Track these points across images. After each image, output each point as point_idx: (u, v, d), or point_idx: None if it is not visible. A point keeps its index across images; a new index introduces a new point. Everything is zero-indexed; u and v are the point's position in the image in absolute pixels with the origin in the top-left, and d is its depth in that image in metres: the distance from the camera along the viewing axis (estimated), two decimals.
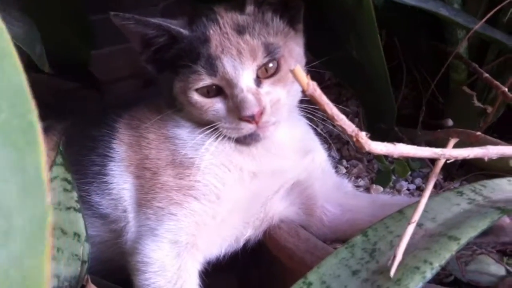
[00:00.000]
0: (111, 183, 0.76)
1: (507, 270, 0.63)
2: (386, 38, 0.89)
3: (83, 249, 0.72)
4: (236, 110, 0.71)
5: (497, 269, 0.64)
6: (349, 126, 0.51)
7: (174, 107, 0.77)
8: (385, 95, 0.81)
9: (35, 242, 0.32)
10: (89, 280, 0.71)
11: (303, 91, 0.46)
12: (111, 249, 0.78)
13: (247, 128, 0.71)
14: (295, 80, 0.72)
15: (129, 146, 0.78)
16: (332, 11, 0.60)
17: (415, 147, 0.55)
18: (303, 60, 0.78)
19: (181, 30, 0.73)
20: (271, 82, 0.73)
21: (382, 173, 0.87)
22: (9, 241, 0.31)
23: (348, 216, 0.79)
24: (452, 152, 0.56)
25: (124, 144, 0.78)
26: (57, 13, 0.92)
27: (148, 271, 0.70)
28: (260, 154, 0.76)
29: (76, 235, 0.72)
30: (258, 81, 0.72)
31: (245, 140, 0.74)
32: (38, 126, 0.33)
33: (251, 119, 0.70)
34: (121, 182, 0.76)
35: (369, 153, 0.93)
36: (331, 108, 0.48)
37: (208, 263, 0.77)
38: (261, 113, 0.70)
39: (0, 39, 0.32)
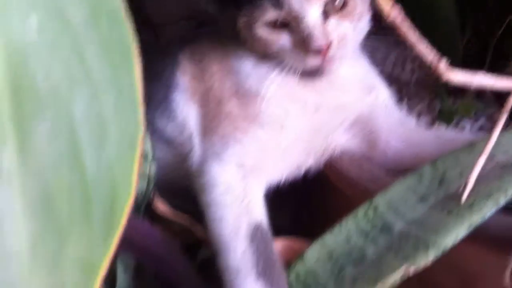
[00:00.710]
0: (176, 110, 0.78)
1: None
2: None
3: (150, 168, 0.74)
4: (303, 43, 0.70)
5: None
6: (430, 54, 0.50)
7: (238, 40, 0.77)
8: (451, 34, 0.81)
9: (126, 151, 0.33)
10: (155, 196, 0.74)
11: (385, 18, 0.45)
12: (175, 172, 0.79)
13: (313, 61, 0.71)
14: (361, 16, 0.72)
15: (192, 77, 0.78)
16: None
17: (494, 77, 0.54)
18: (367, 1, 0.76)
19: None
20: (338, 17, 0.72)
21: (444, 113, 0.85)
22: (102, 147, 0.32)
23: (413, 150, 0.78)
24: None
25: (188, 74, 0.79)
26: None
27: (215, 192, 0.71)
28: (324, 88, 0.76)
29: (143, 155, 0.74)
30: (326, 15, 0.71)
31: (310, 74, 0.73)
32: (133, 46, 0.33)
33: (318, 52, 0.69)
34: (185, 109, 0.78)
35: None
36: (412, 36, 0.48)
37: (269, 189, 0.78)
38: (328, 46, 0.69)
39: None
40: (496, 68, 0.90)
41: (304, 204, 0.93)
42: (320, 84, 0.75)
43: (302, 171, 0.79)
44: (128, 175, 0.33)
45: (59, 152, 0.30)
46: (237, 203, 0.70)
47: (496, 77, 0.54)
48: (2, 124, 0.28)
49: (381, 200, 0.58)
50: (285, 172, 0.78)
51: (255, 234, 0.69)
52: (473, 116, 0.86)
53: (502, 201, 0.52)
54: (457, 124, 0.86)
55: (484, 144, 0.55)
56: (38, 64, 0.29)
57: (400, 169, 0.76)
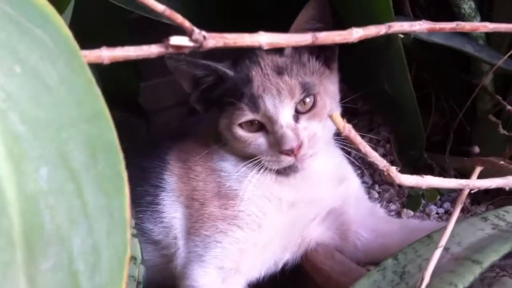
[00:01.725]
0: (163, 212, 0.83)
1: None
2: (416, 70, 0.95)
3: (139, 271, 0.79)
4: (277, 144, 0.77)
5: None
6: (381, 162, 0.56)
7: (219, 141, 0.84)
8: (415, 124, 0.86)
9: (116, 273, 0.39)
10: None
11: (340, 133, 0.52)
12: (162, 272, 0.84)
13: (287, 160, 0.78)
14: (330, 113, 0.79)
15: (179, 178, 0.84)
16: (364, 48, 0.67)
17: (441, 179, 0.60)
18: (337, 96, 0.85)
19: (227, 71, 0.80)
20: (308, 117, 0.79)
21: (413, 197, 0.93)
22: (95, 273, 0.38)
23: (380, 241, 0.84)
24: (475, 183, 0.61)
25: (175, 175, 0.85)
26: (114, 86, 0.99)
27: None
28: (298, 185, 0.82)
29: (133, 258, 0.79)
30: (296, 117, 0.78)
31: (284, 171, 0.80)
32: (124, 174, 0.40)
33: (290, 152, 0.76)
34: (172, 211, 0.83)
35: None
36: (365, 147, 0.54)
37: (249, 285, 0.83)
38: (300, 146, 0.77)
39: (97, 102, 0.40)
40: (461, 152, 0.98)
41: None
42: (294, 181, 0.82)
43: (280, 266, 0.85)
44: None
45: (60, 284, 0.36)
46: None
47: (443, 178, 0.60)
48: (16, 265, 0.34)
49: None
50: (263, 269, 0.84)
51: None
52: (438, 201, 0.94)
53: None
54: (424, 209, 0.93)
55: (440, 236, 0.62)
56: (46, 209, 0.36)
57: (369, 258, 0.83)
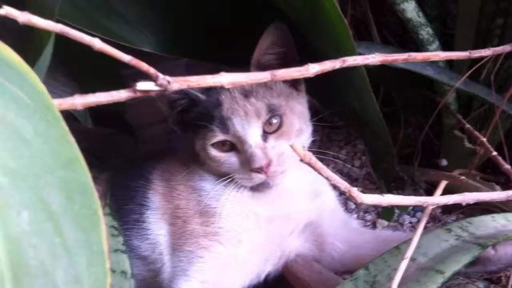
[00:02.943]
0: (148, 229, 0.87)
1: None
2: (384, 90, 1.00)
3: (129, 285, 0.83)
4: (247, 162, 0.82)
5: None
6: (342, 184, 0.60)
7: (198, 161, 0.89)
8: (384, 140, 0.91)
9: None
10: None
11: (301, 160, 0.56)
12: (150, 286, 0.88)
13: (258, 178, 0.82)
14: (300, 132, 0.84)
15: (162, 197, 0.89)
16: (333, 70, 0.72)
17: (401, 196, 0.64)
18: (306, 115, 0.89)
19: (199, 94, 0.85)
20: (276, 137, 0.84)
21: (387, 208, 0.97)
22: None
23: (354, 252, 0.89)
24: (434, 200, 0.66)
25: (159, 194, 0.89)
26: (96, 74, 1.03)
27: None
28: (274, 200, 0.86)
29: (123, 273, 0.82)
30: (265, 136, 0.83)
31: (258, 188, 0.84)
32: (100, 212, 0.44)
33: (260, 170, 0.81)
34: (157, 229, 0.87)
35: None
36: (326, 171, 0.59)
37: None
38: (269, 164, 0.81)
39: (71, 150, 0.44)
40: (431, 164, 1.03)
41: None
42: (271, 197, 0.86)
43: (262, 277, 0.89)
44: None
45: None
46: None
47: (403, 196, 0.64)
48: None
49: None
50: (246, 281, 0.88)
51: None
52: (411, 211, 0.98)
53: None
54: (398, 219, 0.97)
55: (407, 246, 0.66)
56: (29, 247, 0.40)
57: (345, 268, 0.87)
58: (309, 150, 0.87)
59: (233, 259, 0.84)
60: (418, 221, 0.96)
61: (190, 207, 0.86)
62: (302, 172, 0.89)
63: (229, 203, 0.84)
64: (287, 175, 0.85)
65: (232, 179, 0.84)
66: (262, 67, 0.84)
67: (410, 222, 0.97)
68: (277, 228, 0.87)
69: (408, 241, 0.70)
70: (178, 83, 0.50)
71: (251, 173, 0.82)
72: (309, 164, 0.57)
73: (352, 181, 1.07)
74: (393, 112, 1.05)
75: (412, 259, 0.68)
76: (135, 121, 1.31)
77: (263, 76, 0.55)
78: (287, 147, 0.83)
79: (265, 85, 0.85)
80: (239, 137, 0.82)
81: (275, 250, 0.89)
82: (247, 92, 0.84)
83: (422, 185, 1.00)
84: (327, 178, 0.59)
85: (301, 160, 0.56)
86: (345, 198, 1.03)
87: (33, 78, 0.44)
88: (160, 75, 0.49)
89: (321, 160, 0.86)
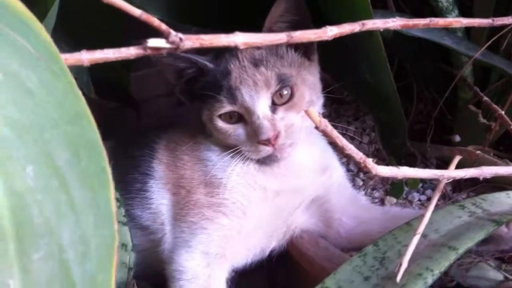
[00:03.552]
0: (151, 198, 0.86)
1: (505, 276, 0.71)
2: (398, 62, 0.97)
3: (130, 258, 0.81)
4: (254, 134, 0.79)
5: (495, 274, 0.71)
6: (357, 154, 0.58)
7: (204, 132, 0.87)
8: (396, 115, 0.89)
9: (105, 261, 0.41)
10: (135, 285, 0.81)
11: (316, 127, 0.54)
12: (150, 256, 0.87)
13: (265, 150, 0.80)
14: (310, 105, 0.83)
15: (166, 166, 0.87)
16: (346, 40, 0.69)
17: (417, 169, 0.62)
18: (318, 86, 0.87)
19: (207, 63, 0.83)
20: (285, 109, 0.81)
21: (396, 185, 0.95)
22: (86, 261, 0.40)
23: (362, 228, 0.87)
24: (450, 173, 0.64)
25: (163, 164, 0.87)
26: (101, 45, 1.02)
27: (182, 278, 0.80)
28: (282, 174, 0.85)
29: (124, 245, 0.81)
30: (274, 108, 0.81)
31: (265, 161, 0.83)
32: (108, 170, 0.42)
33: (268, 142, 0.79)
34: (159, 198, 0.86)
35: None
36: (341, 140, 0.56)
37: (236, 271, 0.86)
38: (276, 136, 0.79)
39: (78, 104, 0.42)
40: (443, 140, 1.01)
41: (279, 275, 1.01)
42: (278, 170, 0.84)
43: (267, 253, 0.88)
44: (108, 280, 0.41)
45: (52, 272, 0.38)
46: None
47: (418, 169, 0.62)
48: (9, 256, 0.36)
49: (331, 282, 0.66)
50: (249, 256, 0.87)
51: None
52: (420, 189, 0.96)
53: (430, 280, 0.60)
54: (406, 196, 0.95)
55: (419, 223, 0.64)
56: (34, 204, 0.38)
57: (352, 244, 0.86)
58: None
59: (237, 232, 0.83)
60: (428, 199, 0.95)
61: (194, 177, 0.85)
62: (309, 147, 0.88)
63: (235, 174, 0.82)
64: (295, 149, 0.83)
65: (239, 151, 0.82)
66: None
67: (419, 200, 0.95)
68: (284, 203, 0.85)
69: (419, 217, 0.68)
70: (190, 41, 0.48)
71: (258, 145, 0.80)
72: (324, 132, 0.55)
73: None
74: (405, 86, 1.02)
75: (424, 236, 0.66)
76: (139, 95, 1.29)
77: (279, 37, 0.52)
78: (296, 119, 0.82)
79: (276, 54, 0.82)
80: (247, 107, 0.80)
81: (281, 225, 0.87)
82: (257, 61, 0.81)
83: (433, 162, 0.98)
84: (342, 147, 0.57)
85: (316, 128, 0.54)
86: (352, 175, 1.01)
87: (38, 27, 0.41)
88: (172, 32, 0.46)
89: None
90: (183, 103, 1.30)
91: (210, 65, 0.83)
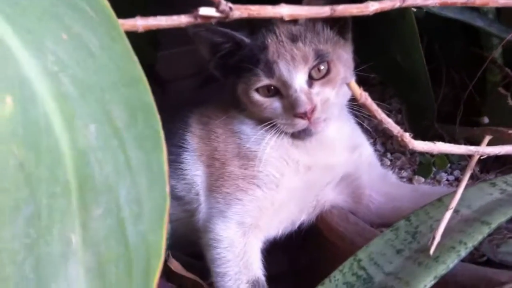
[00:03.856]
0: (185, 169, 0.88)
1: None
2: (427, 43, 0.98)
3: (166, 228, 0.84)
4: (291, 108, 0.81)
5: None
6: (395, 128, 0.59)
7: (238, 107, 0.88)
8: (426, 95, 0.90)
9: (157, 223, 0.43)
10: (170, 255, 0.83)
11: (356, 100, 0.55)
12: (184, 226, 0.89)
13: (301, 123, 0.82)
14: (345, 81, 0.83)
15: (200, 139, 0.89)
16: (377, 20, 0.70)
17: (452, 145, 0.63)
18: (351, 65, 0.88)
19: (244, 38, 0.84)
20: (321, 84, 0.83)
21: (424, 165, 0.96)
22: (139, 221, 0.42)
23: (393, 204, 0.88)
24: (485, 150, 0.65)
25: (196, 136, 0.90)
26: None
27: (219, 247, 0.82)
28: (314, 149, 0.86)
29: None
30: (310, 82, 0.82)
31: (299, 135, 0.84)
32: (161, 133, 0.44)
33: (304, 115, 0.80)
34: (193, 169, 0.88)
35: None
36: (380, 114, 0.58)
37: (265, 242, 0.88)
38: (313, 110, 0.80)
39: (135, 68, 0.43)
40: (471, 122, 1.02)
41: (302, 253, 1.03)
42: (310, 145, 0.86)
43: (296, 225, 0.90)
44: (159, 241, 0.43)
45: (109, 229, 0.40)
46: (238, 260, 0.81)
47: (454, 145, 0.63)
48: (72, 211, 0.38)
49: (363, 255, 0.67)
50: (280, 227, 0.88)
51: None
52: (448, 169, 0.97)
53: (463, 253, 0.61)
54: (434, 176, 0.96)
55: (450, 199, 0.66)
56: (95, 162, 0.40)
57: (382, 221, 0.87)
58: (350, 101, 0.88)
59: (271, 204, 0.85)
60: (456, 179, 0.95)
61: (228, 150, 0.87)
62: (340, 124, 0.89)
63: (269, 147, 0.84)
64: (328, 124, 0.85)
65: (274, 125, 0.83)
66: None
67: (447, 180, 0.95)
68: (315, 178, 0.87)
69: (451, 194, 0.69)
70: (239, 10, 0.49)
71: (295, 118, 0.81)
72: (365, 105, 0.56)
73: (387, 138, 1.06)
74: (434, 69, 1.03)
75: (456, 211, 0.67)
76: (166, 75, 1.31)
77: (323, 10, 0.53)
78: (331, 94, 0.83)
79: (313, 31, 0.84)
80: (285, 81, 0.82)
81: (311, 200, 0.89)
82: (294, 36, 0.83)
83: (461, 143, 0.98)
84: (380, 121, 0.58)
85: (357, 100, 0.55)
86: (380, 155, 1.02)
87: None
88: (223, 1, 0.47)
89: (358, 113, 0.87)
90: (207, 84, 1.32)
91: (247, 40, 0.84)
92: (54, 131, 0.38)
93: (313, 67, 0.82)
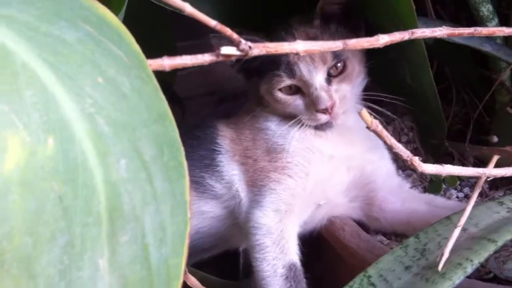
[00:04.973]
0: (222, 171, 0.95)
1: None
2: (438, 65, 1.01)
3: None
4: (313, 104, 0.88)
5: None
6: (405, 153, 0.63)
7: (261, 104, 0.96)
8: (436, 116, 0.93)
9: (178, 247, 0.46)
10: (187, 271, 0.87)
11: (367, 127, 0.59)
12: (221, 222, 0.97)
13: (323, 118, 0.88)
14: (359, 75, 0.92)
15: (231, 140, 0.96)
16: (390, 45, 0.74)
17: (460, 167, 0.66)
18: (363, 59, 0.94)
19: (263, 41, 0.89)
20: (339, 80, 0.89)
21: (434, 182, 0.99)
22: (162, 246, 0.46)
23: (406, 210, 0.94)
24: (491, 171, 0.68)
25: (227, 139, 0.96)
26: (150, 44, 1.07)
27: (258, 233, 0.87)
28: (335, 138, 0.93)
29: None
30: (329, 80, 0.89)
31: (321, 127, 0.91)
32: (185, 164, 0.48)
33: (325, 111, 0.87)
34: (230, 170, 0.94)
35: None
36: (390, 139, 0.61)
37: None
38: (333, 106, 0.87)
39: (162, 106, 0.47)
40: (480, 141, 1.04)
41: (316, 262, 1.06)
42: (332, 136, 0.93)
43: (316, 221, 0.96)
44: (179, 263, 0.46)
45: (134, 254, 0.43)
46: (275, 246, 0.86)
47: (462, 167, 0.66)
48: (102, 238, 0.42)
49: (373, 271, 0.70)
50: (309, 211, 0.94)
51: (290, 272, 0.85)
52: (458, 186, 1.00)
53: (469, 270, 0.64)
54: (445, 193, 0.99)
55: (459, 217, 0.68)
56: (125, 193, 0.44)
57: (393, 228, 0.92)
58: (363, 94, 0.94)
59: (302, 190, 0.91)
60: (465, 196, 0.98)
61: (258, 147, 0.93)
62: (358, 116, 0.93)
63: (294, 140, 0.90)
64: (347, 115, 0.91)
65: (298, 120, 0.90)
66: (326, 15, 0.90)
67: (457, 197, 0.98)
68: (338, 167, 0.94)
69: (459, 212, 0.72)
70: (258, 48, 0.53)
71: (317, 114, 0.88)
72: (375, 132, 0.59)
73: (398, 155, 1.08)
74: (444, 89, 1.06)
75: (463, 229, 0.70)
76: (183, 93, 1.35)
77: (336, 45, 0.57)
78: (348, 90, 0.90)
79: (328, 32, 0.90)
80: (306, 81, 0.88)
81: (334, 186, 0.95)
82: (311, 38, 0.89)
83: (470, 161, 1.01)
84: (390, 146, 0.61)
85: (368, 128, 0.59)
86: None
87: (129, 38, 0.47)
88: (242, 41, 0.51)
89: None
90: (223, 102, 1.36)
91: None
92: (89, 167, 0.42)
93: (332, 67, 0.88)
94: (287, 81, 0.89)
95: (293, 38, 0.88)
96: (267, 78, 0.92)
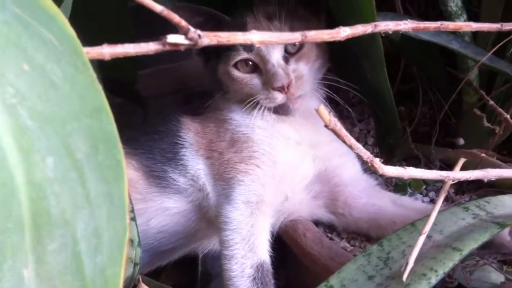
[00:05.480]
0: (187, 165, 0.92)
1: (506, 277, 0.72)
2: (405, 65, 0.99)
3: (136, 253, 0.82)
4: (269, 82, 0.86)
5: (497, 277, 0.72)
6: (365, 154, 0.59)
7: (221, 89, 0.94)
8: (391, 114, 0.92)
9: (116, 255, 0.42)
10: (140, 280, 0.82)
11: (326, 126, 0.55)
12: (186, 217, 0.93)
13: (280, 97, 0.86)
14: (317, 58, 0.89)
15: (195, 134, 0.93)
16: (351, 41, 0.72)
17: (423, 170, 0.63)
18: (324, 45, 0.92)
19: (225, 16, 0.89)
20: (296, 59, 0.88)
21: (399, 186, 0.96)
22: (97, 254, 0.41)
23: (372, 209, 0.91)
24: (456, 175, 0.65)
25: (191, 132, 0.94)
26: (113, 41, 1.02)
27: (227, 228, 0.84)
28: (300, 124, 0.91)
29: (130, 240, 0.82)
30: (286, 58, 0.87)
31: (283, 112, 0.90)
32: (123, 163, 0.43)
33: (282, 89, 0.85)
34: (195, 164, 0.91)
35: None
36: (350, 139, 0.57)
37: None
38: (289, 84, 0.85)
39: (98, 98, 0.42)
40: (447, 143, 1.02)
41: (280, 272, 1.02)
42: (295, 121, 0.91)
43: (285, 211, 0.93)
44: (118, 273, 0.42)
45: (65, 264, 0.39)
46: (244, 242, 0.83)
47: (425, 170, 0.63)
48: (25, 246, 0.37)
49: (335, 280, 0.67)
50: (278, 201, 0.92)
51: (257, 273, 0.81)
52: (424, 190, 0.97)
53: (434, 280, 0.61)
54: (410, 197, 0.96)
55: (424, 224, 0.65)
56: (51, 195, 0.39)
57: (357, 226, 0.91)
58: (323, 77, 0.92)
59: (272, 178, 0.89)
60: (431, 200, 0.96)
61: (222, 139, 0.91)
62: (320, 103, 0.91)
63: (258, 128, 0.89)
64: (305, 100, 0.90)
65: (256, 101, 0.88)
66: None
67: (423, 201, 0.95)
68: (305, 153, 0.92)
69: (423, 218, 0.69)
70: (208, 37, 0.49)
71: (274, 92, 0.86)
72: (334, 131, 0.56)
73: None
74: (411, 89, 1.04)
75: (428, 236, 0.67)
76: (145, 93, 1.31)
77: (294, 36, 0.53)
78: (305, 70, 0.89)
79: (288, 10, 0.88)
80: (263, 56, 0.87)
81: (302, 175, 0.93)
82: (270, 15, 0.89)
83: (436, 165, 0.99)
84: (350, 146, 0.58)
85: (326, 126, 0.55)
86: None
87: (63, 21, 0.42)
88: (191, 28, 0.47)
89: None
90: (189, 102, 1.32)
91: (228, 18, 0.89)
92: (9, 165, 0.37)
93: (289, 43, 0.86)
94: (244, 54, 0.88)
95: (252, 15, 0.89)
96: (225, 56, 0.90)
